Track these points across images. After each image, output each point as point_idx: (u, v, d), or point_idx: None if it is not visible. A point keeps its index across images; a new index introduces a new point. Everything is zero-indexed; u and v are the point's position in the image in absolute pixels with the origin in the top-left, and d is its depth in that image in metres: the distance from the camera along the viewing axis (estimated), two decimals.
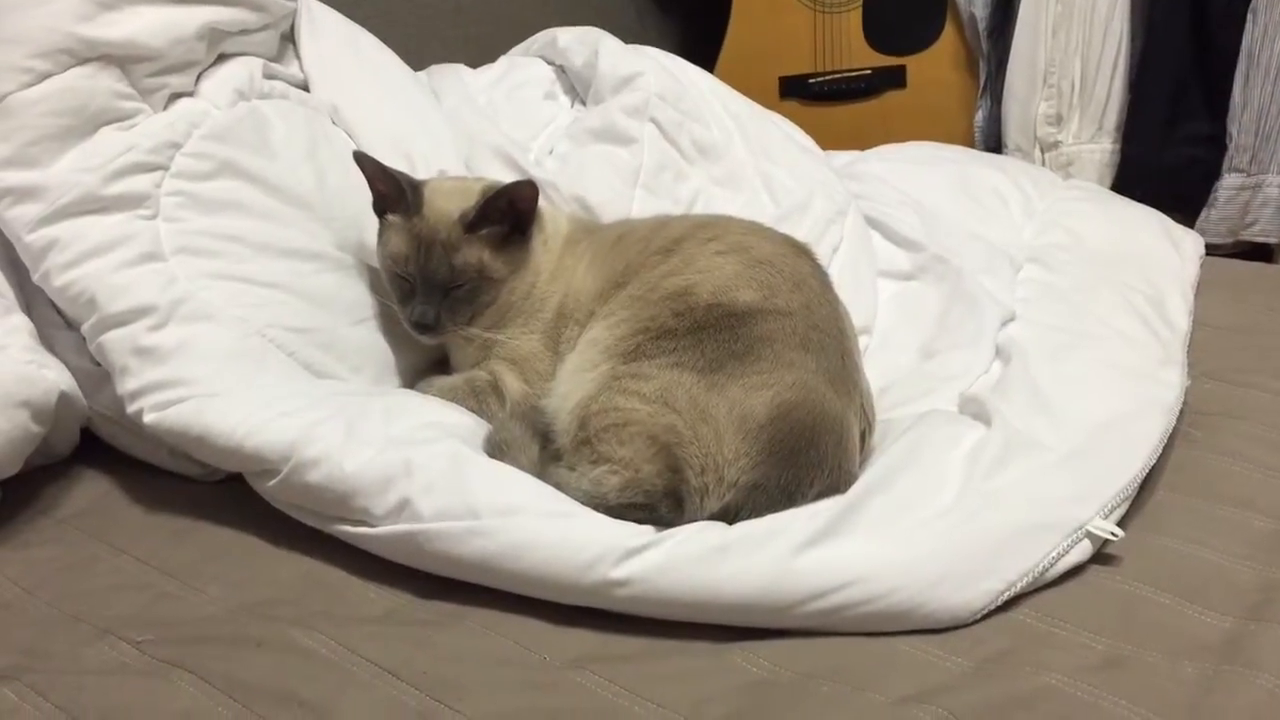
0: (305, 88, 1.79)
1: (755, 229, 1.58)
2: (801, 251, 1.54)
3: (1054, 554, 1.23)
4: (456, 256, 1.49)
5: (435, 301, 1.49)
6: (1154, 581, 1.24)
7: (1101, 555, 1.27)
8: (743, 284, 1.42)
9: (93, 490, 1.47)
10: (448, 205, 1.52)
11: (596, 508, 1.25)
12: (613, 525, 1.22)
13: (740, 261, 1.45)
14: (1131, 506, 1.34)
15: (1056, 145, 2.84)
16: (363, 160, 1.54)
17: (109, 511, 1.43)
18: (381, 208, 1.55)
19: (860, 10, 2.99)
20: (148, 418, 1.36)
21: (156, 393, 1.37)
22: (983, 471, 1.32)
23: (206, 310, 1.43)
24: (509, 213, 1.51)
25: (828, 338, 1.41)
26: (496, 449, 1.34)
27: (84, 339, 1.44)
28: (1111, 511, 1.29)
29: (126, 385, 1.39)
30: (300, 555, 1.31)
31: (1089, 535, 1.25)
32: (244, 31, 1.69)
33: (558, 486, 1.28)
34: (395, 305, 1.54)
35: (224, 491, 1.42)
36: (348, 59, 1.86)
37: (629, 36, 2.13)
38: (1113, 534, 1.26)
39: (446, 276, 1.49)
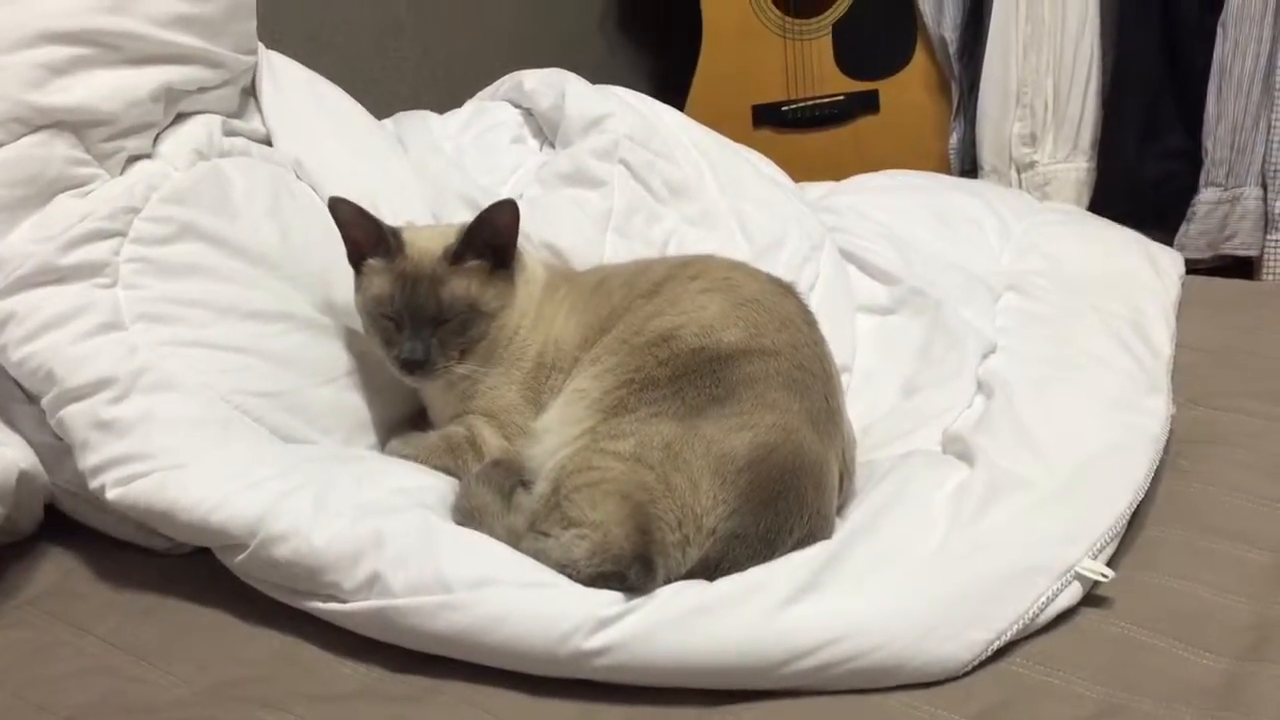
0: (268, 142, 1.76)
1: (739, 267, 1.56)
2: (787, 291, 1.53)
3: (1044, 599, 1.20)
4: (444, 290, 1.46)
5: (425, 337, 1.45)
6: (1147, 623, 1.21)
7: (1092, 597, 1.24)
8: (729, 323, 1.40)
9: (58, 568, 1.43)
10: (429, 244, 1.49)
11: (569, 576, 1.21)
12: (589, 593, 1.19)
13: (726, 300, 1.43)
14: (1121, 543, 1.32)
15: (1032, 165, 2.82)
16: (339, 206, 1.49)
17: (74, 591, 1.39)
18: (358, 256, 1.51)
19: (830, 36, 2.98)
20: (110, 493, 1.33)
21: (119, 467, 1.33)
22: (968, 514, 1.29)
23: (169, 379, 1.40)
24: (491, 242, 1.48)
25: (813, 378, 1.38)
26: (467, 516, 1.31)
27: (45, 413, 1.40)
28: (1101, 550, 1.27)
29: (88, 460, 1.35)
30: (271, 631, 1.28)
31: (1079, 577, 1.23)
32: (202, 89, 1.66)
33: (533, 554, 1.24)
34: (380, 350, 1.49)
35: (192, 565, 1.38)
36: (310, 111, 1.83)
37: (600, 70, 2.11)
38: (1103, 575, 1.24)
39: (435, 310, 1.45)
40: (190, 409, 1.39)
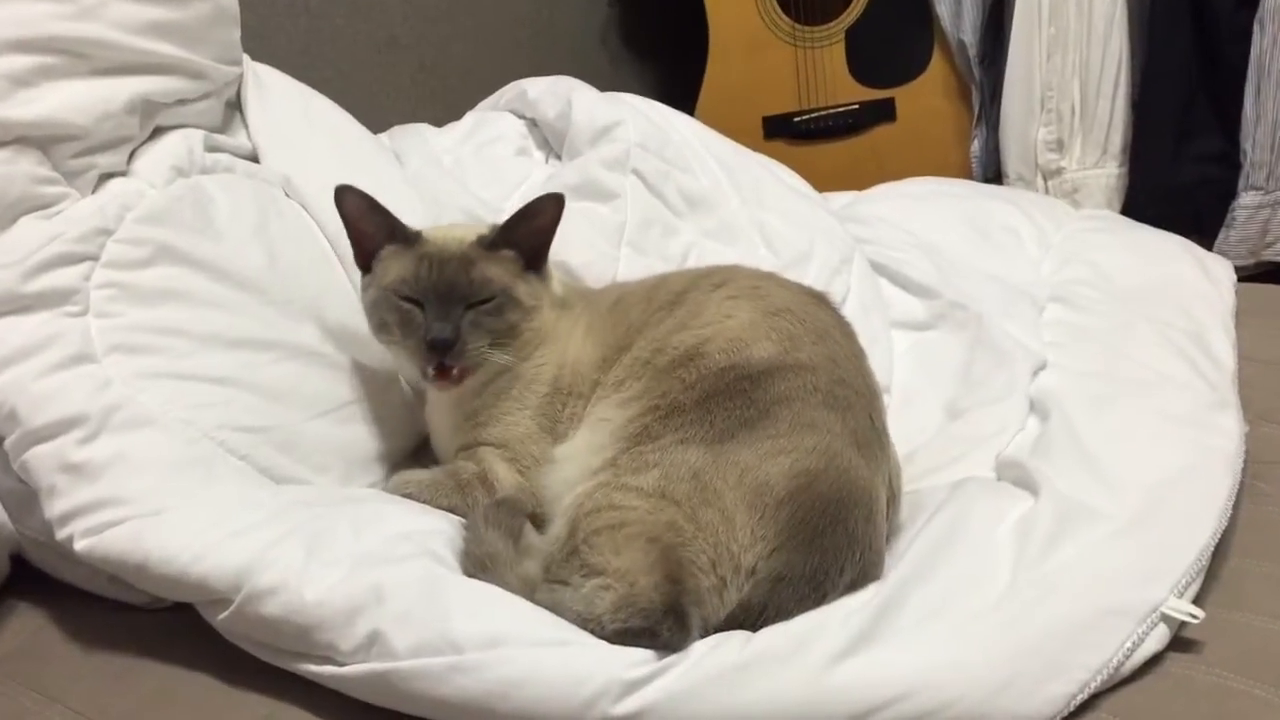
0: (254, 158, 1.64)
1: (767, 275, 1.45)
2: (821, 300, 1.41)
3: (1129, 644, 1.07)
4: (475, 270, 1.34)
5: (455, 318, 1.32)
6: (1244, 669, 1.08)
7: (1180, 640, 1.11)
8: (760, 335, 1.28)
9: (25, 627, 1.30)
10: (454, 234, 1.39)
11: (592, 632, 1.08)
12: (615, 651, 1.05)
13: (755, 309, 1.31)
14: (1205, 578, 1.18)
15: (1059, 172, 2.71)
16: (346, 195, 1.37)
17: (43, 652, 1.26)
18: (367, 253, 1.40)
19: (843, 43, 2.87)
20: (79, 544, 1.19)
21: (89, 515, 1.20)
22: (1036, 550, 1.15)
23: (145, 415, 1.27)
24: (528, 238, 1.38)
25: (855, 395, 1.26)
26: (477, 566, 1.17)
27: (8, 456, 1.27)
28: (1187, 587, 1.13)
29: (55, 508, 1.22)
30: (258, 695, 1.14)
31: (1165, 618, 1.09)
32: (181, 102, 1.54)
33: (550, 607, 1.11)
34: (395, 348, 1.37)
35: (172, 622, 1.24)
36: (299, 125, 1.71)
37: (603, 83, 2.00)
38: (1192, 615, 1.10)
39: (466, 289, 1.33)
40: (168, 448, 1.26)
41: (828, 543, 1.12)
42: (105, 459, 1.22)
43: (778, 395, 1.22)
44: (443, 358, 1.32)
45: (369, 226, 1.39)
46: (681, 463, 1.17)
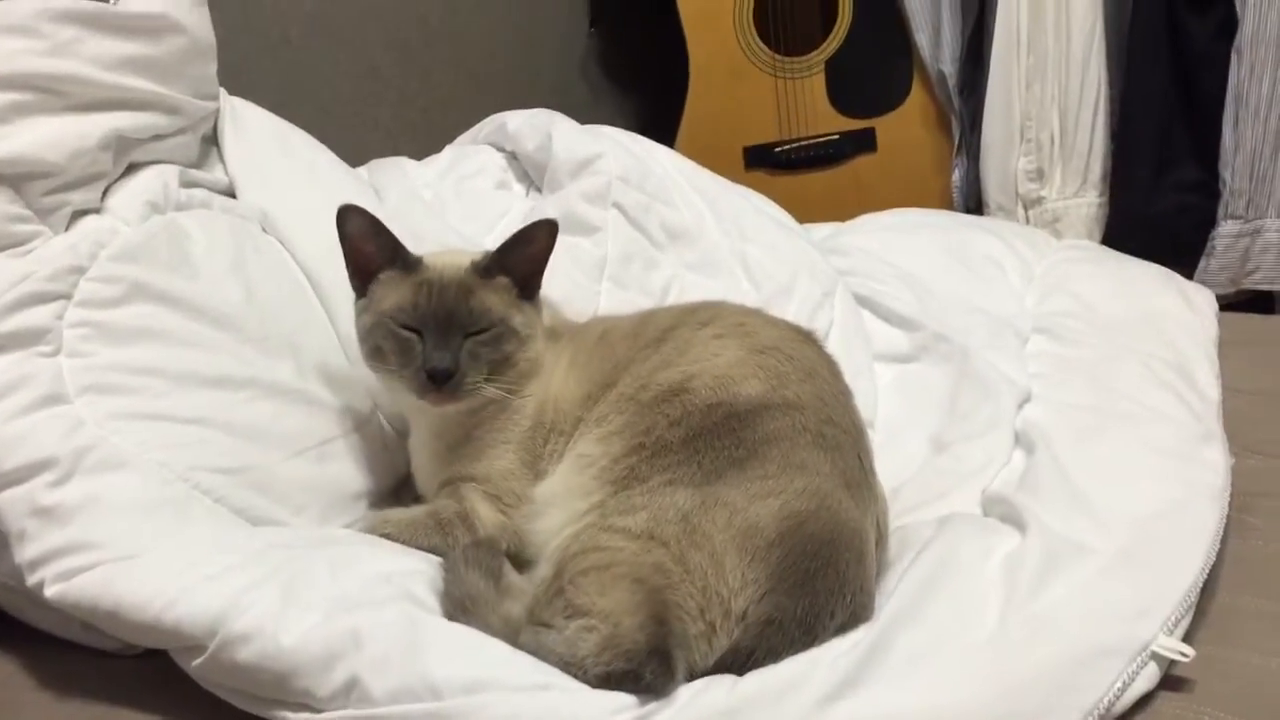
0: (231, 194, 1.62)
1: (754, 312, 1.44)
2: (807, 338, 1.40)
3: (1119, 684, 1.05)
4: (474, 298, 1.33)
5: (454, 347, 1.31)
6: (1237, 709, 1.07)
7: (1170, 678, 1.09)
8: (747, 373, 1.26)
9: None
10: (450, 260, 1.37)
11: (575, 676, 1.05)
12: (598, 696, 1.03)
13: (742, 347, 1.30)
14: (1194, 615, 1.17)
15: (1040, 201, 2.72)
16: (349, 215, 1.36)
17: (14, 700, 1.22)
18: (366, 275, 1.38)
19: (823, 74, 2.88)
20: (50, 590, 1.17)
21: (60, 560, 1.17)
22: (1025, 589, 1.14)
23: (118, 457, 1.24)
24: (522, 264, 1.36)
25: (843, 434, 1.25)
26: (457, 607, 1.14)
27: None
28: (1176, 624, 1.12)
29: (25, 553, 1.19)
30: None
31: (1155, 656, 1.08)
32: (157, 137, 1.52)
33: (534, 650, 1.08)
34: (390, 377, 1.35)
35: (149, 668, 1.21)
36: (277, 160, 1.69)
37: (583, 114, 2.00)
38: (1182, 653, 1.09)
39: (465, 319, 1.32)
40: (142, 490, 1.23)
41: (819, 585, 1.10)
42: (77, 502, 1.20)
43: (766, 435, 1.20)
44: (440, 387, 1.31)
45: (371, 248, 1.37)
46: (670, 504, 1.15)
